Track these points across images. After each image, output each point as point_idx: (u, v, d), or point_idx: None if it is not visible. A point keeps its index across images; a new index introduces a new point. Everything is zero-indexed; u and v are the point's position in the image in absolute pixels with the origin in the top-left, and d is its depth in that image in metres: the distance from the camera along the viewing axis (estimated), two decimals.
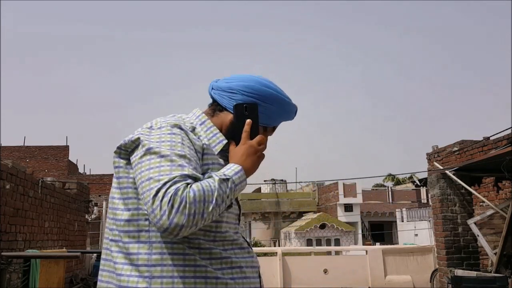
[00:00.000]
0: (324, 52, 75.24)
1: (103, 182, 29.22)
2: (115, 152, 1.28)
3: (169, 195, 1.08)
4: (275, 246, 24.78)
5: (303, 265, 10.40)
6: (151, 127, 1.27)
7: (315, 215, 25.46)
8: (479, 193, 7.80)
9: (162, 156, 1.16)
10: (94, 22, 71.93)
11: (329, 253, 13.73)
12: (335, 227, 24.40)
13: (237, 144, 1.33)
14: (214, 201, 1.13)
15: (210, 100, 1.44)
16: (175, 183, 1.10)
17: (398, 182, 39.35)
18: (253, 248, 1.41)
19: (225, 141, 1.36)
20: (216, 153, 1.33)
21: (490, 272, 6.75)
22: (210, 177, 1.18)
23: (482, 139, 8.47)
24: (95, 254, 10.61)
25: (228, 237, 1.28)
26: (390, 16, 76.02)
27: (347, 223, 25.44)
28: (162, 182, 1.11)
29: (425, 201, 26.19)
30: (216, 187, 1.14)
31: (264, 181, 29.30)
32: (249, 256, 1.32)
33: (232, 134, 1.36)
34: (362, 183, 31.27)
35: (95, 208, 14.80)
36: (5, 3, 57.52)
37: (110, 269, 1.23)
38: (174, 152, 1.18)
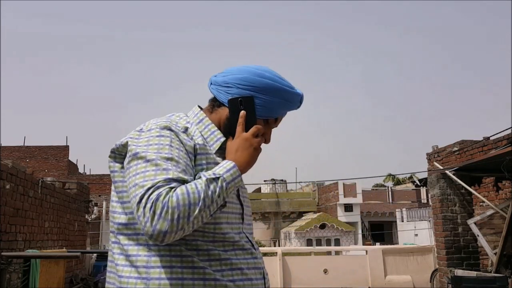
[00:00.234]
0: (324, 52, 75.29)
1: (103, 182, 29.21)
2: (109, 156, 1.28)
3: (151, 201, 1.06)
4: (275, 246, 24.79)
5: (303, 265, 10.40)
6: (141, 129, 1.25)
7: (315, 215, 25.46)
8: (479, 193, 7.80)
9: (148, 161, 1.14)
10: (94, 22, 71.97)
11: (329, 253, 13.73)
12: (335, 227, 24.40)
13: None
14: (200, 203, 1.09)
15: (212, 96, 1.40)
16: (157, 188, 1.08)
17: (398, 182, 39.35)
18: None
19: (223, 139, 1.32)
20: (214, 151, 1.30)
21: (490, 272, 6.74)
22: (199, 177, 1.15)
23: (482, 139, 8.47)
24: (95, 254, 10.62)
25: (228, 238, 1.24)
26: (390, 16, 76.05)
27: (347, 223, 25.44)
28: (145, 188, 1.09)
29: (425, 201, 26.19)
30: (203, 188, 1.11)
31: (264, 181, 29.32)
32: (252, 257, 1.28)
33: (229, 130, 1.32)
34: (362, 183, 31.29)
35: (95, 208, 14.80)
36: (5, 3, 57.54)
37: (113, 270, 1.24)
38: (160, 156, 1.15)
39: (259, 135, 1.29)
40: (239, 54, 75.57)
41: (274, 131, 1.42)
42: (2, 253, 5.80)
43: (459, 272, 6.89)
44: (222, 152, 1.31)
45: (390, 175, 36.96)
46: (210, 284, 1.17)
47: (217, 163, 1.25)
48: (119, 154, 1.25)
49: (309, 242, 23.62)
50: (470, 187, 7.52)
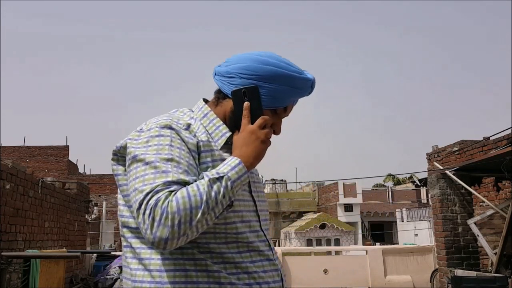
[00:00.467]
0: (324, 52, 75.31)
1: (103, 182, 29.21)
2: (112, 159, 1.23)
3: (150, 207, 1.01)
4: (275, 246, 24.75)
5: (303, 265, 10.40)
6: (141, 129, 1.19)
7: (315, 215, 25.46)
8: (479, 193, 7.80)
9: (147, 163, 1.09)
10: (94, 22, 71.98)
11: (329, 253, 13.73)
12: (335, 227, 24.40)
13: None
14: (203, 206, 1.03)
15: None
16: (156, 192, 1.03)
17: (398, 182, 39.35)
18: None
19: (228, 134, 1.25)
20: (219, 147, 1.23)
21: (490, 272, 6.74)
22: (202, 177, 1.09)
23: (482, 139, 8.47)
24: (95, 254, 10.62)
25: (242, 238, 1.18)
26: (390, 16, 76.05)
27: (347, 223, 25.44)
28: (144, 193, 1.04)
29: (425, 201, 26.20)
30: (205, 190, 1.04)
31: (264, 181, 29.32)
32: (267, 259, 1.21)
33: (234, 124, 1.25)
34: (362, 183, 31.30)
35: (95, 208, 14.80)
36: (5, 3, 57.55)
37: (127, 275, 1.19)
38: (159, 157, 1.10)
39: (267, 127, 1.21)
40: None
41: (290, 111, 1.32)
42: (2, 253, 5.80)
43: (459, 272, 6.89)
44: (229, 147, 1.23)
45: (390, 175, 36.96)
46: None
47: (224, 160, 1.17)
48: (121, 156, 1.21)
49: (309, 242, 23.62)
50: (470, 187, 7.52)
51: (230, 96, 1.24)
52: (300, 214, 27.63)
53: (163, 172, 1.07)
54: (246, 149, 1.17)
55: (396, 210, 26.70)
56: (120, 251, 14.16)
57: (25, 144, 30.41)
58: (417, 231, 22.02)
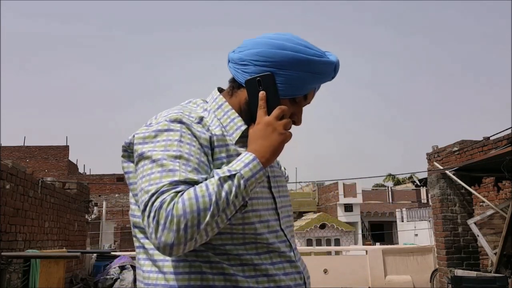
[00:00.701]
0: None
1: (103, 182, 29.23)
2: (122, 156, 1.15)
3: (154, 209, 0.94)
4: None
5: None
6: (150, 123, 1.11)
7: (315, 215, 25.48)
8: (479, 193, 7.80)
9: (154, 161, 1.01)
10: (94, 22, 71.96)
11: (329, 253, 13.73)
12: (335, 227, 24.41)
13: None
14: (212, 208, 0.95)
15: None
16: (162, 193, 0.95)
17: (398, 182, 39.35)
18: None
19: (243, 127, 1.15)
20: (234, 142, 1.13)
21: (490, 272, 6.74)
22: (212, 176, 1.01)
23: (482, 139, 8.47)
24: (95, 254, 10.62)
25: (261, 239, 1.09)
26: (390, 16, 76.07)
27: (347, 223, 25.45)
28: (149, 194, 0.96)
29: (425, 201, 26.19)
30: (215, 190, 0.96)
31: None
32: (288, 260, 1.13)
33: (250, 116, 1.15)
34: (362, 183, 31.30)
35: (95, 208, 14.79)
36: (5, 3, 57.56)
37: (139, 277, 1.13)
38: (167, 154, 1.02)
39: (285, 117, 1.10)
40: None
41: (312, 98, 1.22)
42: (2, 253, 5.80)
43: (459, 272, 6.89)
44: (246, 141, 1.13)
45: (390, 175, 36.96)
46: None
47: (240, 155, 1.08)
48: (132, 152, 1.12)
49: (309, 242, 23.64)
50: (470, 187, 7.52)
51: (244, 86, 1.15)
52: (300, 214, 27.64)
53: (170, 170, 0.99)
54: (262, 143, 1.08)
55: (396, 210, 26.70)
56: (120, 251, 14.16)
57: (25, 144, 30.43)
58: (417, 231, 22.02)
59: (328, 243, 23.99)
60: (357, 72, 75.67)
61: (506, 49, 70.61)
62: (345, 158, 75.13)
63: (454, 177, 7.52)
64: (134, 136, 1.10)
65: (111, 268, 9.47)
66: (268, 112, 1.10)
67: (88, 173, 33.28)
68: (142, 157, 1.05)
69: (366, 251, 10.75)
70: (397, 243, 24.26)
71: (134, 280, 9.20)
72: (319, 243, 23.60)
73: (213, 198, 0.95)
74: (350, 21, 77.06)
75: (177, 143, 1.04)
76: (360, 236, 26.29)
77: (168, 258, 1.06)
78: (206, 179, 1.01)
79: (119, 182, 29.65)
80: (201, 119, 1.13)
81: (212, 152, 1.09)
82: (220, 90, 1.24)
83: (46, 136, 76.33)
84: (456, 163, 8.54)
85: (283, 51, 1.11)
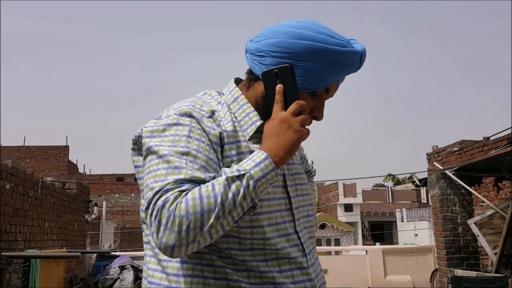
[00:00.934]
0: None
1: (103, 182, 29.24)
2: (132, 149, 1.10)
3: (157, 208, 0.90)
4: None
5: None
6: (160, 116, 1.06)
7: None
8: (479, 193, 7.79)
9: (160, 157, 0.97)
10: (94, 22, 71.94)
11: (329, 253, 13.73)
12: (335, 227, 24.42)
13: None
14: (217, 209, 0.90)
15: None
16: (165, 192, 0.91)
17: (398, 182, 39.36)
18: None
19: (258, 122, 1.08)
20: (247, 138, 1.07)
21: (490, 272, 6.74)
22: (220, 175, 0.96)
23: (482, 139, 8.46)
24: (95, 254, 10.62)
25: (270, 245, 1.03)
26: (390, 16, 76.06)
27: (347, 223, 25.46)
28: (154, 191, 0.92)
29: (425, 201, 26.20)
30: (221, 191, 0.91)
31: None
32: (298, 267, 1.07)
33: (266, 110, 1.08)
34: (362, 183, 31.31)
35: (95, 208, 14.79)
36: (5, 3, 57.53)
37: (144, 274, 1.11)
38: (174, 150, 0.97)
39: (303, 113, 1.03)
40: (239, 53, 75.47)
41: (334, 91, 1.14)
42: (2, 253, 5.80)
43: (459, 272, 6.89)
44: (261, 138, 1.06)
45: (390, 175, 36.95)
46: None
47: (252, 153, 1.02)
48: (141, 145, 1.06)
49: None
50: (470, 187, 7.51)
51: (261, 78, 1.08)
52: None
53: (175, 168, 0.95)
54: (276, 140, 1.00)
55: (396, 210, 26.71)
56: (120, 251, 14.16)
57: (25, 144, 30.45)
58: (417, 231, 22.03)
59: (328, 243, 24.00)
60: (357, 72, 75.48)
61: (506, 49, 70.66)
62: (345, 158, 75.14)
63: (454, 177, 7.52)
64: (142, 129, 1.06)
65: (111, 268, 9.47)
66: (286, 107, 1.04)
67: (88, 173, 33.31)
68: (149, 151, 1.01)
69: (366, 251, 10.74)
70: (397, 243, 24.26)
71: (134, 280, 9.20)
72: (319, 243, 23.59)
73: (219, 199, 0.90)
74: (350, 21, 77.05)
75: (185, 138, 0.99)
76: (360, 236, 26.30)
77: (172, 259, 1.02)
78: (214, 178, 0.96)
79: (119, 182, 29.67)
80: (212, 113, 1.06)
81: (222, 149, 1.03)
82: (238, 81, 1.17)
83: (46, 136, 76.40)
84: (456, 163, 8.54)
85: (302, 41, 1.03)
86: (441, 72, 74.93)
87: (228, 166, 1.00)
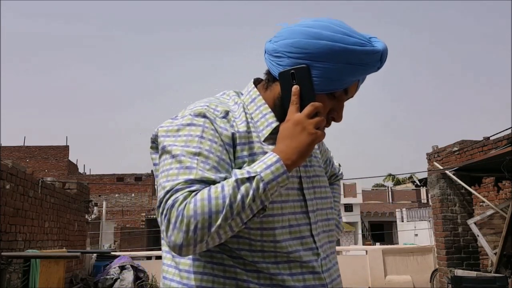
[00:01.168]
0: None
1: (103, 182, 29.24)
2: (151, 147, 1.12)
3: (167, 208, 0.92)
4: None
5: None
6: (175, 116, 1.07)
7: None
8: (479, 193, 7.79)
9: (173, 156, 0.99)
10: (94, 22, 71.94)
11: None
12: None
13: None
14: (225, 211, 0.90)
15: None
16: (176, 191, 0.93)
17: (398, 182, 39.36)
18: None
19: (274, 124, 1.08)
20: (262, 139, 1.07)
21: (490, 272, 6.74)
22: (231, 177, 0.96)
23: (482, 139, 8.47)
24: (95, 254, 10.62)
25: (280, 248, 1.02)
26: (390, 16, 76.07)
27: (347, 223, 25.46)
28: (165, 190, 0.94)
29: (425, 201, 26.20)
30: (230, 192, 0.91)
31: None
32: (310, 271, 1.05)
33: (282, 111, 1.07)
34: (362, 183, 31.31)
35: (95, 208, 14.80)
36: (5, 3, 57.55)
37: (162, 268, 1.14)
38: (186, 150, 0.98)
39: (319, 115, 1.02)
40: (239, 53, 75.59)
41: (354, 92, 1.12)
42: (2, 253, 5.80)
43: (459, 272, 6.89)
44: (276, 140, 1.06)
45: (390, 175, 36.95)
46: None
47: (265, 154, 1.02)
48: (158, 144, 1.08)
49: None
50: (470, 187, 7.51)
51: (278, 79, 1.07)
52: None
53: (186, 168, 0.96)
54: (289, 143, 0.99)
55: (396, 210, 26.71)
56: (120, 251, 14.17)
57: (25, 144, 30.46)
58: (417, 231, 22.02)
59: None
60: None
61: (506, 49, 70.66)
62: (345, 158, 75.14)
63: (454, 177, 7.52)
64: (158, 128, 1.07)
65: (111, 268, 9.47)
66: (302, 108, 1.02)
67: (88, 173, 33.30)
68: (163, 150, 1.02)
69: (366, 251, 10.75)
70: (397, 243, 24.27)
71: (134, 280, 9.20)
72: None
73: (227, 201, 0.91)
74: (350, 21, 76.60)
75: (197, 139, 1.00)
76: (360, 236, 26.29)
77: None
78: (225, 178, 0.96)
79: (119, 182, 29.67)
80: (226, 113, 1.06)
81: (234, 150, 1.03)
82: (257, 82, 1.17)
83: (46, 136, 76.41)
84: (456, 163, 8.54)
85: (319, 41, 1.01)
86: (441, 72, 75.00)
87: (240, 167, 1.01)
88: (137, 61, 74.90)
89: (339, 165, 1.46)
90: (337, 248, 16.59)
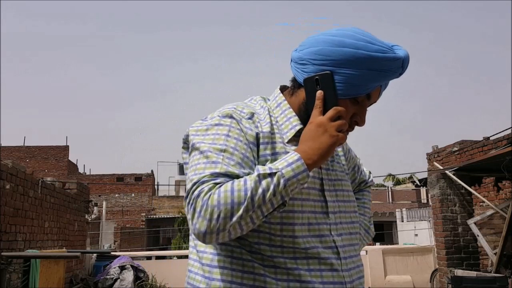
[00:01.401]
0: None
1: (103, 182, 29.24)
2: (182, 147, 1.20)
3: (193, 198, 0.99)
4: None
5: None
6: (205, 118, 1.16)
7: None
8: (479, 193, 7.80)
9: (201, 152, 1.06)
10: (93, 22, 71.93)
11: None
12: None
13: None
14: (246, 202, 0.96)
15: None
16: (202, 183, 1.00)
17: (398, 182, 39.36)
18: None
19: (298, 126, 1.15)
20: (286, 140, 1.14)
21: (490, 272, 6.74)
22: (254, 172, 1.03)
23: (482, 139, 8.47)
24: (95, 254, 10.63)
25: (298, 244, 1.07)
26: (390, 16, 76.11)
27: None
28: (192, 183, 1.02)
29: (425, 201, 26.20)
30: (252, 186, 0.97)
31: None
32: (329, 269, 1.08)
33: (307, 116, 1.13)
34: None
35: (95, 208, 14.81)
36: (5, 3, 57.59)
37: (188, 262, 1.20)
38: (213, 147, 1.06)
39: (341, 119, 1.08)
40: (239, 53, 75.59)
41: (377, 97, 1.18)
42: (2, 253, 5.80)
43: (459, 272, 6.89)
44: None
45: (390, 175, 36.97)
46: None
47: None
48: (189, 143, 1.17)
49: None
50: (470, 187, 7.52)
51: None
52: None
53: (212, 162, 1.04)
54: (311, 144, 1.04)
55: (396, 210, 26.70)
56: (120, 251, 14.18)
57: (25, 144, 30.45)
58: (417, 231, 22.02)
59: None
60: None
61: (506, 49, 70.66)
62: None
63: (454, 177, 7.52)
64: (189, 128, 1.16)
65: (111, 268, 9.47)
66: (325, 112, 1.08)
67: (88, 173, 33.30)
68: (193, 147, 1.11)
69: (366, 251, 10.73)
70: (397, 243, 24.25)
71: (134, 280, 9.20)
72: None
73: (249, 194, 0.97)
74: (350, 21, 77.03)
75: (224, 137, 1.08)
76: None
77: (207, 250, 1.11)
78: (248, 174, 1.03)
79: (119, 182, 29.68)
80: (252, 115, 1.14)
81: (258, 148, 1.11)
82: (284, 88, 1.25)
83: (46, 136, 76.35)
84: (456, 163, 8.54)
85: (342, 49, 1.07)
86: (441, 72, 75.00)
87: (263, 164, 1.07)
88: (137, 61, 74.85)
89: (369, 172, 1.52)
90: None
